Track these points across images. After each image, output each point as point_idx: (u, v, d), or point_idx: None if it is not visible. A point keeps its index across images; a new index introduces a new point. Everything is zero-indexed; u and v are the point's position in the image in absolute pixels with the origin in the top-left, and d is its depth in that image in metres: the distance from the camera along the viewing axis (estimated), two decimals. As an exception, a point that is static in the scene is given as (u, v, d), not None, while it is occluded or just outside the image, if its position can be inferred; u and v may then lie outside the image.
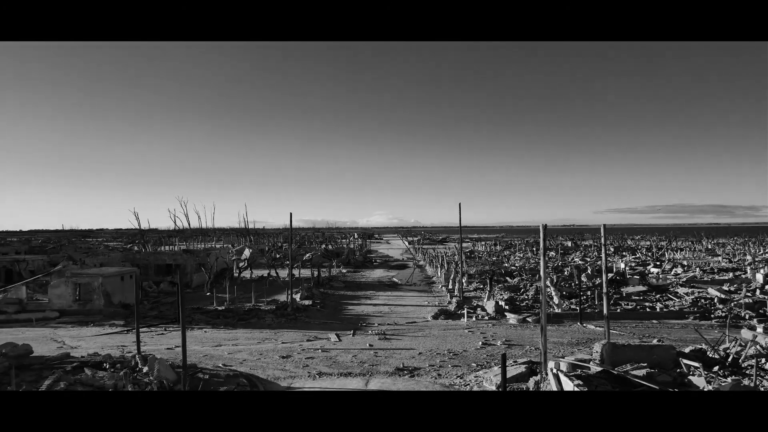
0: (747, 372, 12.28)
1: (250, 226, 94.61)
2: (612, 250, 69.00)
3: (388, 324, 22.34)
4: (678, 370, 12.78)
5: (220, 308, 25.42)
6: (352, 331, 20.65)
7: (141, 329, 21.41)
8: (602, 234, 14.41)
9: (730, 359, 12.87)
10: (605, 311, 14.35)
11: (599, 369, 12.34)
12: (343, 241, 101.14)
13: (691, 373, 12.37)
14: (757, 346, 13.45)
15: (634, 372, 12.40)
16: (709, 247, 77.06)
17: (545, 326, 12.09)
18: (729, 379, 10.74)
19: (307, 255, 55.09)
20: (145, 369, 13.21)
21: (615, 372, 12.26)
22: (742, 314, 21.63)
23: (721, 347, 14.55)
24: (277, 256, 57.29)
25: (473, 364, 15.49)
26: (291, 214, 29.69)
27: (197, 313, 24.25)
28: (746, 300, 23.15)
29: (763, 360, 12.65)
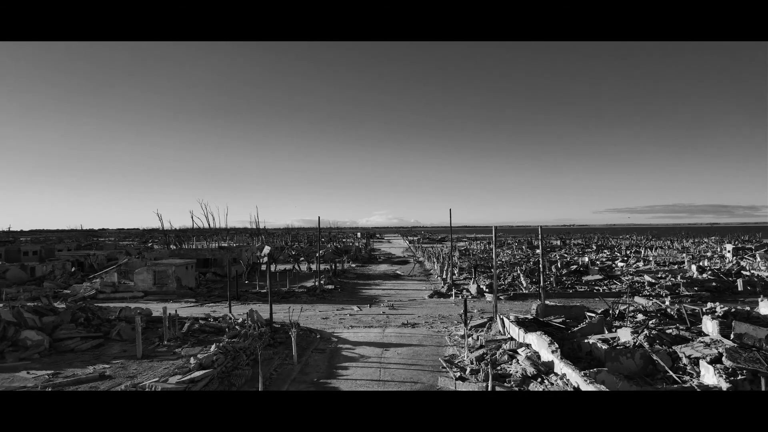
0: (626, 319, 19.44)
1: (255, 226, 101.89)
2: (594, 248, 76.26)
3: (395, 301, 29.50)
4: (585, 321, 19.92)
5: (263, 291, 32.58)
6: (368, 305, 27.84)
7: (209, 304, 28.74)
8: (539, 234, 21.51)
9: (617, 313, 19.99)
10: (541, 284, 21.47)
11: (531, 318, 19.48)
12: (348, 240, 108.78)
13: (590, 321, 19.49)
14: (640, 306, 20.61)
15: (555, 321, 19.57)
16: (686, 245, 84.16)
17: (496, 290, 19.19)
18: (598, 316, 17.82)
19: (320, 251, 62.34)
20: (240, 320, 20.33)
21: (541, 319, 19.40)
22: (662, 294, 28.76)
23: (622, 308, 21.72)
24: (293, 253, 64.49)
25: (455, 322, 22.65)
26: (319, 217, 37.00)
27: (248, 293, 31.43)
28: (668, 283, 30.33)
29: (638, 314, 19.81)
